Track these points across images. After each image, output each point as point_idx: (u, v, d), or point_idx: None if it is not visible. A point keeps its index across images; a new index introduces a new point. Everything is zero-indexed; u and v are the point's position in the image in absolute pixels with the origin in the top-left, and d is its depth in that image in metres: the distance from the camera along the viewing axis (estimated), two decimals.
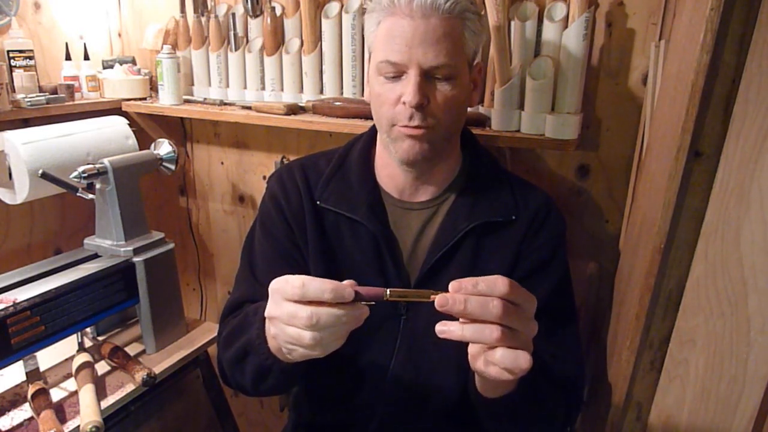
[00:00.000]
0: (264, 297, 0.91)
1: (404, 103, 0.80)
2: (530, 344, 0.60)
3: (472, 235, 0.89)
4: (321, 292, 0.59)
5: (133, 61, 1.57)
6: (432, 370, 0.90)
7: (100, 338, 1.29)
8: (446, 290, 0.86)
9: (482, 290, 0.57)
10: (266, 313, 0.66)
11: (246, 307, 0.90)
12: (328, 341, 0.61)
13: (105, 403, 1.06)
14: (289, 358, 0.68)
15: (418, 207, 0.92)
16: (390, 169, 0.91)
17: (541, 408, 0.79)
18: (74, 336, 1.14)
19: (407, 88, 0.79)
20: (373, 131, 0.96)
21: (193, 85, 1.49)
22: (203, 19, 1.42)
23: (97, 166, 1.15)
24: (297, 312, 0.60)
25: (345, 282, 0.60)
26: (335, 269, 0.91)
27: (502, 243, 0.90)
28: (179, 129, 1.62)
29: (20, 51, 1.31)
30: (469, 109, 1.13)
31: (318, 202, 0.91)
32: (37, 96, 1.29)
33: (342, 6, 1.24)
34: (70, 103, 1.37)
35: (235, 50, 1.38)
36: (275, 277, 0.92)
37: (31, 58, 1.33)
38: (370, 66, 0.86)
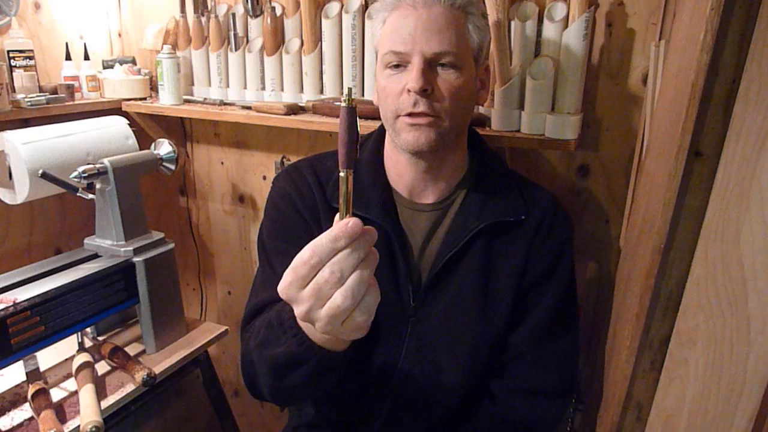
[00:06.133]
0: None
1: (409, 90, 0.80)
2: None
3: (482, 236, 0.89)
4: (334, 243, 0.53)
5: (133, 61, 1.57)
6: (438, 370, 0.90)
7: (100, 338, 1.29)
8: (457, 293, 0.87)
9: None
10: (299, 319, 0.61)
11: (268, 311, 0.84)
12: (360, 292, 0.54)
13: (105, 403, 1.06)
14: (342, 345, 0.67)
15: (427, 209, 0.92)
16: (399, 168, 0.91)
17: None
18: (74, 336, 1.14)
19: (411, 75, 0.80)
20: (383, 130, 0.95)
21: (193, 85, 1.49)
22: (203, 19, 1.42)
23: (97, 166, 1.15)
24: (319, 285, 0.54)
25: (345, 220, 0.54)
26: None
27: (512, 244, 0.90)
28: (179, 129, 1.62)
29: (20, 51, 1.31)
30: None
31: (331, 203, 0.91)
32: (37, 96, 1.29)
33: (342, 6, 1.24)
34: (70, 103, 1.37)
35: (235, 50, 1.38)
36: None
37: (31, 58, 1.33)
38: (377, 64, 0.87)
